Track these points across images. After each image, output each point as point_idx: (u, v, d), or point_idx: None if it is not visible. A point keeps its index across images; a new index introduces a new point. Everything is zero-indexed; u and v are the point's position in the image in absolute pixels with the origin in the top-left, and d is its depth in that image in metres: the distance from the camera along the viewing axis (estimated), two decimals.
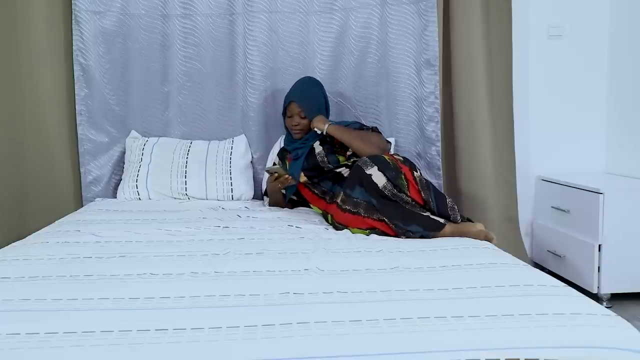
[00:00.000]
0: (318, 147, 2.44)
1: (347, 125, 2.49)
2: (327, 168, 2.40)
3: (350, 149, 2.40)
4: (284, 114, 2.55)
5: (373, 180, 2.01)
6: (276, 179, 2.37)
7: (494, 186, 2.88)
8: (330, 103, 2.84)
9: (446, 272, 1.53)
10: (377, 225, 2.01)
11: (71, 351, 1.05)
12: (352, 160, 2.39)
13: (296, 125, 2.50)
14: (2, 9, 2.65)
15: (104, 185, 2.85)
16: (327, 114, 2.60)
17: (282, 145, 2.68)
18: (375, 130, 2.49)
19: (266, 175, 2.63)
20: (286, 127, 2.57)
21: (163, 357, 1.05)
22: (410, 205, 2.02)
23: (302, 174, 2.43)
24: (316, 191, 2.43)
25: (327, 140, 2.46)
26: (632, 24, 2.94)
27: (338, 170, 2.39)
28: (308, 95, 2.52)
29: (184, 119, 2.91)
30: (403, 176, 2.04)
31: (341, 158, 2.42)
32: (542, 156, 3.13)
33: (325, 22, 2.85)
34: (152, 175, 2.72)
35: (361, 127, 2.49)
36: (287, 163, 2.54)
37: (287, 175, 2.36)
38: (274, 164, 2.65)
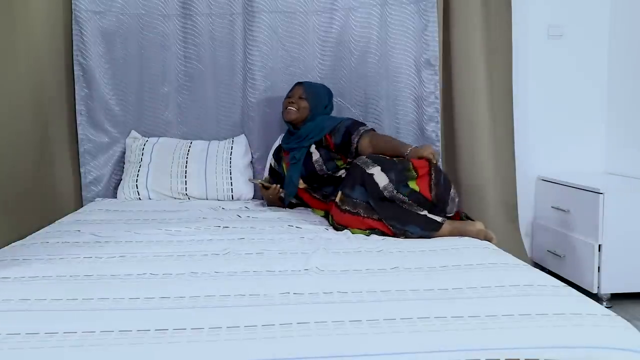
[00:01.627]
0: (315, 154, 2.41)
1: (339, 122, 2.41)
2: (326, 175, 2.40)
3: (352, 154, 2.34)
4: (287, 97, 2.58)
5: (375, 180, 2.00)
6: (265, 188, 2.43)
7: (494, 186, 2.88)
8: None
9: (446, 272, 1.53)
10: (377, 225, 2.01)
11: (71, 351, 1.05)
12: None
13: (292, 103, 2.49)
14: (2, 9, 2.65)
15: (104, 185, 2.85)
16: (325, 113, 2.59)
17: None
18: (368, 127, 2.38)
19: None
20: (283, 114, 2.56)
21: (163, 357, 1.05)
22: (408, 205, 2.02)
23: (300, 180, 2.43)
24: (317, 195, 2.42)
25: (322, 144, 2.42)
26: (632, 24, 2.94)
27: (338, 174, 2.37)
28: (315, 87, 2.58)
29: (184, 119, 2.91)
30: (411, 166, 2.03)
31: (339, 162, 2.39)
32: (542, 156, 3.13)
33: (325, 22, 2.86)
34: (152, 175, 2.72)
35: (353, 123, 2.39)
36: (284, 166, 2.54)
37: (274, 185, 2.42)
38: (270, 170, 2.68)
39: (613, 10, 3.07)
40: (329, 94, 2.63)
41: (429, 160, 2.08)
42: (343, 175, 2.34)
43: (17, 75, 2.69)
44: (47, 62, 2.73)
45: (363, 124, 2.39)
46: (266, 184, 2.44)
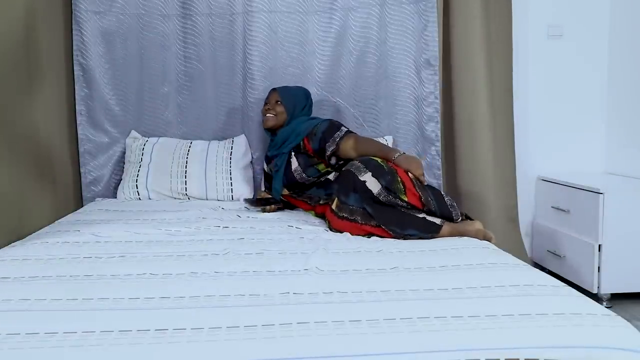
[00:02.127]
0: (294, 162, 2.38)
1: (315, 126, 2.35)
2: (307, 182, 2.38)
3: (337, 159, 2.31)
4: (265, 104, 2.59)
5: (367, 187, 1.98)
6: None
7: (494, 186, 2.88)
8: (329, 103, 2.84)
9: (446, 272, 1.53)
10: (375, 231, 1.99)
11: (71, 351, 1.05)
12: (340, 163, 2.31)
13: (269, 109, 2.51)
14: (2, 9, 2.65)
15: (104, 185, 2.85)
16: (303, 114, 2.56)
17: None
18: (344, 131, 2.29)
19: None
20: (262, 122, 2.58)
21: (163, 357, 1.05)
22: (406, 208, 2.01)
23: (284, 189, 2.44)
24: (302, 199, 2.42)
25: (301, 150, 2.39)
26: (632, 24, 2.94)
27: (323, 179, 2.37)
28: (290, 90, 2.58)
29: (184, 119, 2.91)
30: (399, 179, 2.01)
31: (321, 167, 2.36)
32: (542, 156, 3.13)
33: (325, 22, 2.86)
34: (152, 175, 2.72)
35: (329, 127, 2.30)
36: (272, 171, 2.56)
37: (269, 207, 2.44)
38: (265, 175, 2.70)
39: (613, 10, 3.07)
40: (305, 94, 2.62)
41: (413, 179, 2.04)
42: (330, 177, 2.34)
43: (16, 75, 2.69)
44: (47, 62, 2.73)
45: (339, 129, 2.30)
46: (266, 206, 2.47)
